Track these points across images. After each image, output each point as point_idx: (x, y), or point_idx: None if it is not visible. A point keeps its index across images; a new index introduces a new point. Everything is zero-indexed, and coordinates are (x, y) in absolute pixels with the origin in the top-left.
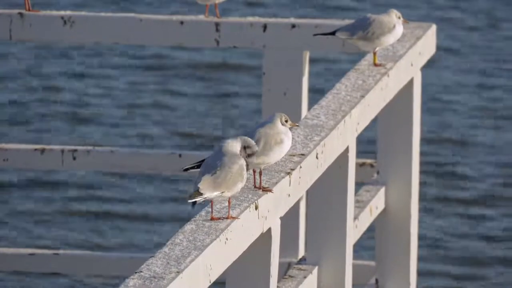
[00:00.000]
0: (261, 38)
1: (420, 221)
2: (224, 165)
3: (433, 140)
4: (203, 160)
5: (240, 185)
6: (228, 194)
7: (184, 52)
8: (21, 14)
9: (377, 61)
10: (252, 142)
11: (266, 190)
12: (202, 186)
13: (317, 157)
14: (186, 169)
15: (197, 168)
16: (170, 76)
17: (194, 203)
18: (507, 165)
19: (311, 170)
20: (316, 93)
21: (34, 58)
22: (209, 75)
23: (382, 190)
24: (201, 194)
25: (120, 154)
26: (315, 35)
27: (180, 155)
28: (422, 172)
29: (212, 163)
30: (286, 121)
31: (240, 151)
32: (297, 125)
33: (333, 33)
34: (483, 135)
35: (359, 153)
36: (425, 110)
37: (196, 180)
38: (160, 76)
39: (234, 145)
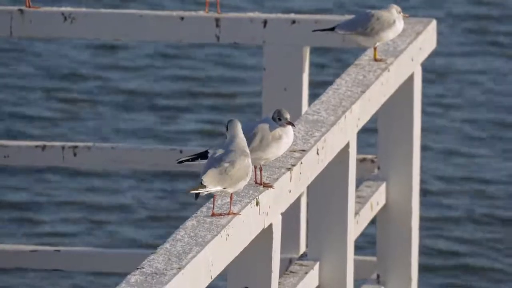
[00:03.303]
0: (261, 34)
1: (421, 216)
2: (231, 161)
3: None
4: (199, 153)
5: (243, 183)
6: (230, 190)
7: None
8: (21, 11)
9: (377, 56)
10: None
11: (267, 186)
12: (206, 179)
13: (317, 153)
14: (181, 162)
15: (191, 161)
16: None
17: (197, 195)
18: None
19: (312, 166)
20: (317, 88)
21: None
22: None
23: (383, 185)
24: (204, 187)
25: (121, 150)
26: (314, 31)
27: (181, 151)
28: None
29: (219, 157)
30: (280, 119)
31: (275, 119)
32: (292, 124)
33: (332, 29)
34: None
35: (360, 149)
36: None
37: (201, 172)
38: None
39: (243, 140)
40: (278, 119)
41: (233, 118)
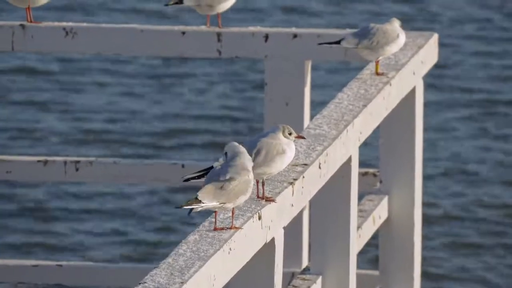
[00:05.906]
0: (263, 48)
1: (423, 230)
2: (231, 176)
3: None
4: (204, 170)
5: (243, 198)
6: (229, 205)
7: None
8: (22, 26)
9: (379, 70)
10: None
11: (269, 200)
12: (201, 194)
13: (319, 167)
14: (187, 180)
15: (198, 178)
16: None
17: (190, 210)
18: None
19: (314, 180)
20: (319, 103)
21: None
22: None
23: (385, 199)
24: (199, 201)
25: (123, 165)
26: (320, 44)
27: (183, 165)
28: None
29: (218, 173)
30: (290, 134)
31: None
32: (303, 137)
33: (338, 42)
34: None
35: (362, 163)
36: None
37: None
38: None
39: (245, 158)
40: (288, 134)
41: (231, 141)
